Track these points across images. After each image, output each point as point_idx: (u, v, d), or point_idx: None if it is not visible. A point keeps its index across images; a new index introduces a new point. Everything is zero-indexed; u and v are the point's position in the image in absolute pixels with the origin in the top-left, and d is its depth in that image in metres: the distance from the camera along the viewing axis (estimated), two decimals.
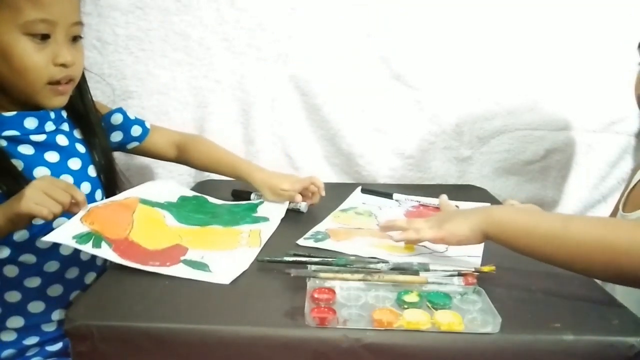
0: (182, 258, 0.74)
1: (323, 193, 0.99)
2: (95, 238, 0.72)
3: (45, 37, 0.77)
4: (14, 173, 0.77)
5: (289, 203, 0.98)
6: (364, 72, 1.22)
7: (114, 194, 0.95)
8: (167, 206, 0.91)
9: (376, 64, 1.22)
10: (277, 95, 1.23)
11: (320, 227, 0.90)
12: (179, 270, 0.70)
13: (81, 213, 0.74)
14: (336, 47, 1.20)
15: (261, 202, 0.99)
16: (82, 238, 0.70)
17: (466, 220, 0.71)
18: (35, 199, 0.69)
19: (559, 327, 0.58)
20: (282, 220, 0.93)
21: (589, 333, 0.58)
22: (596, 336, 0.57)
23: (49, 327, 0.84)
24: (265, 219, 0.92)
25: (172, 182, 1.02)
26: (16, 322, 0.82)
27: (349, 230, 0.89)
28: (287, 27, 1.19)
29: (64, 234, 0.70)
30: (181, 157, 1.08)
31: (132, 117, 1.03)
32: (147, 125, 1.06)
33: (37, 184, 0.71)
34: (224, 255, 0.76)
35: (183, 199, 0.98)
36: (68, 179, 0.84)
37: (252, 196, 1.04)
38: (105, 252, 0.71)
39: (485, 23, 1.20)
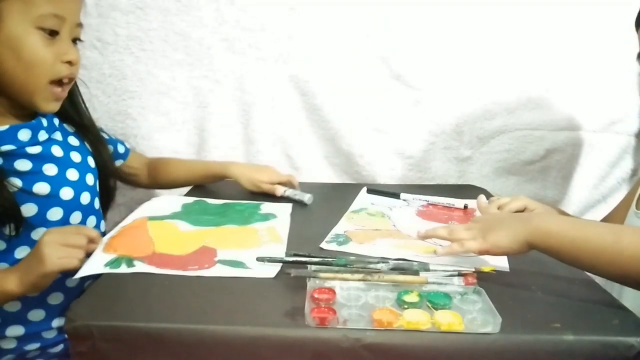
0: (216, 259, 0.75)
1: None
2: (126, 260, 0.73)
3: (53, 34, 0.77)
4: (8, 195, 0.75)
5: (295, 194, 1.05)
6: (364, 72, 1.22)
7: (108, 201, 0.97)
8: (174, 216, 0.92)
9: (376, 64, 1.22)
10: (277, 95, 1.23)
11: (338, 229, 0.89)
12: (220, 271, 0.71)
13: (100, 247, 0.75)
14: (336, 47, 1.20)
15: (262, 203, 1.02)
16: (114, 263, 0.71)
17: (510, 230, 0.68)
18: (56, 254, 0.69)
19: (559, 327, 0.58)
20: (291, 217, 0.94)
21: (589, 333, 0.58)
22: (596, 336, 0.57)
23: (49, 334, 0.83)
24: (273, 216, 0.95)
25: (168, 196, 1.06)
26: (16, 330, 0.81)
27: (367, 232, 0.89)
28: (287, 27, 1.19)
29: (95, 266, 0.71)
30: (153, 179, 1.09)
31: (112, 136, 1.04)
32: (127, 145, 1.07)
33: (49, 239, 0.70)
34: (253, 253, 0.76)
35: (185, 206, 0.99)
36: (68, 191, 0.83)
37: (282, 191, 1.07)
38: (142, 268, 0.71)
39: (485, 23, 1.20)
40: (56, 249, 0.69)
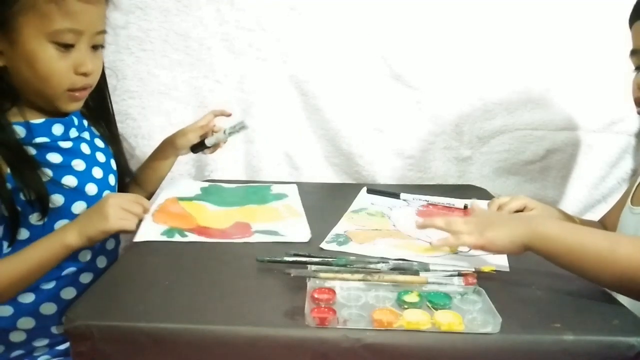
0: (252, 230, 0.86)
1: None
2: (178, 231, 0.83)
3: (68, 47, 0.78)
4: (40, 183, 0.78)
5: (233, 128, 1.02)
6: (364, 72, 1.22)
7: None
8: (198, 197, 1.01)
9: (376, 64, 1.22)
10: (277, 95, 1.23)
11: (338, 229, 0.89)
12: (260, 238, 0.83)
13: (148, 218, 0.85)
14: (336, 47, 1.20)
15: (271, 184, 1.13)
16: (169, 233, 0.82)
17: (508, 229, 0.69)
18: (118, 215, 0.78)
19: (559, 327, 0.58)
20: None
21: (589, 333, 0.58)
22: (596, 336, 0.57)
23: (58, 329, 0.85)
24: (285, 195, 1.06)
25: (186, 180, 1.14)
26: (27, 323, 0.82)
27: (367, 232, 0.89)
28: (287, 27, 1.19)
29: (152, 233, 0.81)
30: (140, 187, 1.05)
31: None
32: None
33: (113, 202, 0.78)
34: (281, 225, 0.88)
35: (204, 189, 1.08)
36: (93, 187, 0.85)
37: (207, 141, 1.04)
38: (194, 238, 0.82)
39: (485, 23, 1.20)
40: (118, 210, 0.78)
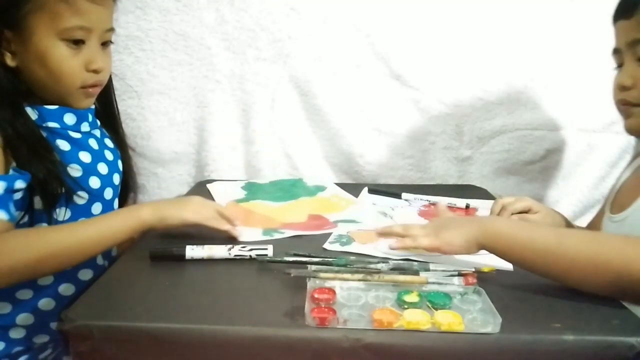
0: (332, 221, 0.91)
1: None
2: (264, 231, 0.86)
3: (79, 43, 0.79)
4: (53, 160, 0.78)
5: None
6: (364, 72, 1.22)
7: (125, 200, 1.00)
8: (248, 198, 1.05)
9: (376, 64, 1.22)
10: (277, 95, 1.23)
11: (340, 229, 0.89)
12: (345, 227, 0.88)
13: (237, 224, 0.87)
14: (336, 47, 1.20)
15: (301, 179, 1.18)
16: (265, 233, 0.86)
17: (462, 230, 0.71)
18: (199, 210, 0.81)
19: (559, 327, 0.58)
20: None
21: (589, 333, 0.58)
22: (596, 336, 0.57)
23: (58, 326, 0.84)
24: (323, 187, 1.13)
25: (222, 182, 1.18)
26: (26, 319, 0.82)
27: (370, 232, 0.88)
28: (287, 27, 1.19)
29: (252, 234, 0.84)
30: None
31: None
32: None
33: (198, 199, 0.83)
34: (348, 214, 0.94)
35: (245, 188, 1.12)
36: (96, 181, 0.85)
37: None
38: (290, 232, 0.86)
39: (485, 23, 1.20)
40: (200, 206, 0.82)
